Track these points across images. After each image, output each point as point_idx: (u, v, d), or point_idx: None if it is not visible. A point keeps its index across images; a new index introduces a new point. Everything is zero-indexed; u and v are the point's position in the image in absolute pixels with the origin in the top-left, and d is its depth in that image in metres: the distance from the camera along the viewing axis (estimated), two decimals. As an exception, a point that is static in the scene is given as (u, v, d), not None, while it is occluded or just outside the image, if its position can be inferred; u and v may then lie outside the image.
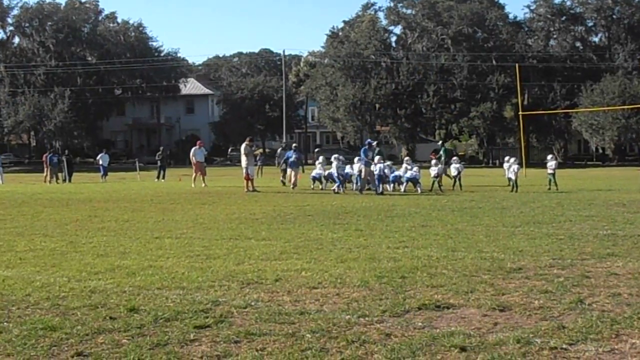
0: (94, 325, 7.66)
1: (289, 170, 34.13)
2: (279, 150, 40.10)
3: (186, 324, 7.68)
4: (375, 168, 29.72)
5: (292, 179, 33.16)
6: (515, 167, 30.80)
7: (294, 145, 36.98)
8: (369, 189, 29.79)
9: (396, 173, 31.17)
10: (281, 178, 36.41)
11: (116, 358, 6.61)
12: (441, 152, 36.69)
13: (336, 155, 32.50)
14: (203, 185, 35.76)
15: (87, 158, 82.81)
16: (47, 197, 29.54)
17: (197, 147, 38.51)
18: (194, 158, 37.69)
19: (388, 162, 32.17)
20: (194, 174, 37.64)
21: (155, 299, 8.88)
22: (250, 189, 31.32)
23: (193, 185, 35.82)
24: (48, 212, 21.80)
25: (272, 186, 35.44)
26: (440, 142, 35.67)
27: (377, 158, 30.20)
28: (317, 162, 35.25)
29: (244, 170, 31.79)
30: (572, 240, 13.92)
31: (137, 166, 52.73)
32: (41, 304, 8.73)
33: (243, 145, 32.81)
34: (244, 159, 32.11)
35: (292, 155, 33.96)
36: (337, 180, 30.75)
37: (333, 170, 31.28)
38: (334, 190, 30.33)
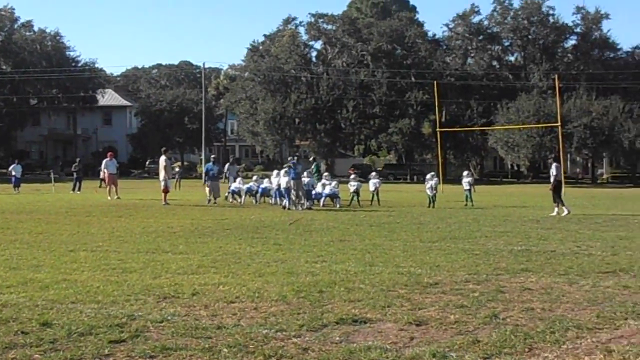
0: (5, 340, 7.48)
1: (209, 183, 32.74)
2: (227, 166, 38.52)
3: (101, 338, 7.56)
4: (305, 182, 29.67)
5: (214, 193, 32.33)
6: (433, 182, 31.18)
7: (212, 157, 35.97)
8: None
9: (316, 190, 30.99)
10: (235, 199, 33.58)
11: (27, 374, 6.46)
12: (313, 167, 35.92)
13: (286, 169, 31.25)
14: (115, 197, 35.26)
15: (0, 169, 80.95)
16: (-42, 208, 28.79)
17: (108, 158, 37.92)
18: (105, 170, 37.25)
19: (326, 179, 31.98)
20: (107, 187, 37.16)
21: (69, 313, 8.72)
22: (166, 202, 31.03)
23: (109, 198, 35.28)
24: (-42, 224, 21.24)
25: (190, 199, 35.17)
26: (312, 157, 34.62)
27: (306, 172, 30.29)
28: (228, 175, 36.19)
29: (162, 183, 31.51)
30: (487, 256, 14.13)
31: (52, 177, 51.70)
32: (-51, 318, 8.50)
33: (163, 158, 32.38)
34: (162, 172, 31.83)
35: (214, 168, 33.22)
36: (285, 195, 29.64)
37: (282, 184, 29.83)
38: (284, 206, 29.27)
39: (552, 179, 27.40)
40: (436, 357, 6.94)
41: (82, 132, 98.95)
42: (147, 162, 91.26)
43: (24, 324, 8.20)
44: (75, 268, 12.34)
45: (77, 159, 51.46)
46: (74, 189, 43.92)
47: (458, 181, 30.30)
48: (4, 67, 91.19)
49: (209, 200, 31.97)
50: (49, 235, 17.94)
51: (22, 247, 15.35)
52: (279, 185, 30.21)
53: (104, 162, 37.88)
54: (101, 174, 37.60)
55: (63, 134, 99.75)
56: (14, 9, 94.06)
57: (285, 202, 29.35)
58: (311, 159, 32.74)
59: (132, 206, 30.02)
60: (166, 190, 31.49)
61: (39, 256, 13.88)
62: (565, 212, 25.78)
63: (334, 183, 31.49)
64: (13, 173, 46.72)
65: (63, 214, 25.77)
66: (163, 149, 33.84)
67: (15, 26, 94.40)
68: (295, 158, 32.00)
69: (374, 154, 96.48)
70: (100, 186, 43.08)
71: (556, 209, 26.13)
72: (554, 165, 28.22)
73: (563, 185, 28.53)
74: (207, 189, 32.99)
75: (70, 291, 10.11)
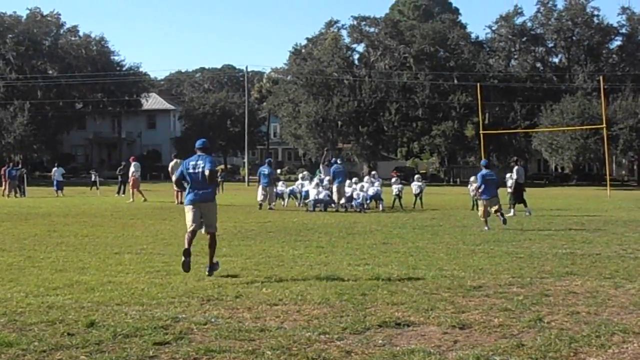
0: (52, 342, 7.57)
1: (266, 188, 30.75)
2: (320, 167, 34.21)
3: (145, 340, 7.62)
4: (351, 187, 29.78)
5: (269, 198, 30.75)
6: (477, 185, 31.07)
7: (267, 160, 33.87)
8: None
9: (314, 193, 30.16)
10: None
11: (74, 375, 6.53)
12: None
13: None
14: (130, 200, 36.28)
15: (47, 172, 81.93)
16: (5, 211, 29.18)
17: (133, 162, 39.13)
18: (136, 173, 37.99)
19: (373, 179, 31.94)
20: (132, 190, 38.26)
21: (114, 315, 8.80)
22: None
23: (143, 199, 36.06)
24: (6, 227, 21.54)
25: (234, 203, 35.30)
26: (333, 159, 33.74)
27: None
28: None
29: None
30: (531, 259, 14.02)
31: (97, 180, 52.26)
32: (-2, 319, 8.62)
33: (173, 163, 33.51)
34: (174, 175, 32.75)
35: (267, 171, 31.01)
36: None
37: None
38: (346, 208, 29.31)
39: (511, 182, 28.48)
40: (480, 360, 6.91)
41: (126, 136, 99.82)
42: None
43: (70, 325, 8.29)
44: (120, 270, 12.45)
45: (122, 163, 51.92)
46: (118, 192, 44.32)
47: (502, 184, 30.07)
48: (50, 71, 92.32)
49: (261, 206, 30.40)
50: (94, 238, 18.12)
51: (68, 250, 15.52)
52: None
53: (133, 164, 38.67)
54: (132, 176, 38.19)
55: (108, 137, 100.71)
56: (60, 15, 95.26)
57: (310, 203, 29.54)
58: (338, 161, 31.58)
59: (175, 209, 30.21)
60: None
61: (84, 258, 14.03)
62: (512, 213, 26.63)
63: (377, 183, 31.40)
64: (55, 176, 47.30)
65: (108, 216, 26.03)
66: (173, 154, 34.64)
67: (61, 31, 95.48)
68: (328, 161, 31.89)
69: (417, 157, 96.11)
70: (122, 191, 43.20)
71: (512, 210, 27.18)
72: (515, 168, 29.16)
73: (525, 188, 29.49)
74: (260, 193, 31.10)
75: (115, 293, 10.21)
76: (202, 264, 13.04)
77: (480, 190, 21.85)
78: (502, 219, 21.58)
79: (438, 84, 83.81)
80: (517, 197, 27.91)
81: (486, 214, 21.31)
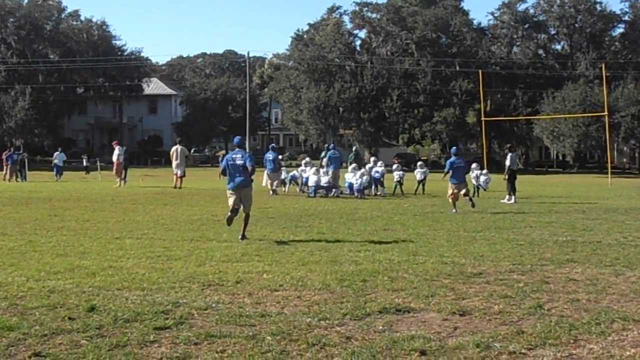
0: (53, 326, 7.60)
1: (269, 173, 30.90)
2: (323, 153, 33.69)
3: (146, 325, 7.65)
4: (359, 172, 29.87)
5: (276, 182, 30.80)
6: (478, 172, 31.14)
7: (271, 145, 33.84)
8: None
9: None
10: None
11: (75, 359, 6.55)
12: (351, 155, 35.67)
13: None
14: (116, 185, 36.38)
15: (48, 157, 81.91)
16: (6, 195, 29.21)
17: (116, 146, 39.52)
18: (121, 157, 38.30)
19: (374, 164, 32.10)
20: (116, 174, 38.33)
21: (115, 300, 8.82)
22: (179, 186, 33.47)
23: (117, 185, 36.57)
24: (7, 211, 21.57)
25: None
26: (354, 147, 34.14)
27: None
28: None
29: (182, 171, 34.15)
30: (532, 246, 14.04)
31: (99, 165, 52.25)
32: (-1, 303, 8.64)
33: (181, 148, 35.22)
34: (175, 160, 34.45)
35: (271, 156, 30.96)
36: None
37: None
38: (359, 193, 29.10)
39: (505, 169, 28.45)
40: (480, 347, 6.93)
41: (127, 121, 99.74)
42: (191, 151, 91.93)
43: (71, 309, 8.32)
44: (121, 255, 12.48)
45: (124, 148, 51.89)
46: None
47: (502, 170, 30.18)
48: (51, 56, 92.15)
49: (274, 191, 30.20)
50: (96, 223, 18.15)
51: (69, 234, 15.55)
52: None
53: (117, 148, 38.95)
54: (115, 161, 38.21)
55: (109, 122, 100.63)
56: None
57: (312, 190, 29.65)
58: (354, 148, 32.33)
59: (177, 194, 30.25)
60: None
61: (85, 243, 14.06)
62: (512, 201, 26.96)
63: (379, 162, 31.80)
64: (56, 161, 47.30)
65: (109, 201, 26.05)
66: (178, 139, 34.98)
67: (63, 16, 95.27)
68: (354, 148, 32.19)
69: (418, 143, 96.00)
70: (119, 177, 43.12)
71: (507, 197, 27.46)
72: (509, 155, 29.28)
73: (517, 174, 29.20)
74: (266, 179, 31.35)
75: (116, 278, 10.24)
76: (202, 249, 13.09)
77: (449, 175, 23.01)
78: (470, 202, 22.94)
79: (440, 71, 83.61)
80: (512, 183, 28.01)
81: (454, 197, 22.79)
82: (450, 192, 22.96)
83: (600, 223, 19.10)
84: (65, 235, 15.45)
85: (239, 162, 15.04)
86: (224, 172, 15.60)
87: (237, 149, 15.49)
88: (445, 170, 23.48)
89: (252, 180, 15.48)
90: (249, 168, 15.02)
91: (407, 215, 21.23)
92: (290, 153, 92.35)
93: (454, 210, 22.28)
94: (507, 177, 28.00)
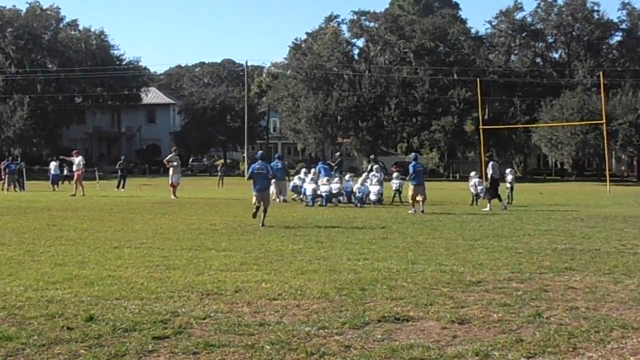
0: (51, 336, 7.58)
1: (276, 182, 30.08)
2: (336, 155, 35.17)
3: (145, 334, 7.64)
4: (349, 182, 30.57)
5: (281, 193, 31.09)
6: (476, 180, 31.12)
7: (276, 155, 34.23)
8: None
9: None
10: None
11: (73, 369, 6.54)
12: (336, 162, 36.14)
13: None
14: (78, 194, 36.04)
15: (46, 166, 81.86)
16: (5, 205, 29.21)
17: (81, 157, 39.04)
18: (81, 165, 37.95)
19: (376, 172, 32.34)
20: (75, 183, 37.90)
21: (113, 309, 8.81)
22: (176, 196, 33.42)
23: (75, 194, 36.11)
24: (5, 220, 21.57)
25: (233, 197, 35.31)
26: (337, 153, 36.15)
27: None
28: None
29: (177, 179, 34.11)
30: (530, 254, 14.04)
31: (97, 175, 52.26)
32: (-3, 313, 8.63)
33: (172, 155, 35.12)
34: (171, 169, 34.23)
35: (280, 165, 30.55)
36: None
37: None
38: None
39: (489, 178, 29.41)
40: (479, 355, 6.92)
41: (126, 130, 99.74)
42: (190, 160, 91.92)
43: (69, 319, 8.31)
44: (119, 265, 12.47)
45: (122, 157, 51.93)
46: (118, 187, 44.31)
47: (501, 179, 30.26)
48: (50, 65, 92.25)
49: (284, 200, 30.76)
50: (94, 232, 18.15)
51: (68, 244, 15.54)
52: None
53: (80, 158, 38.56)
54: (76, 170, 38.00)
55: (108, 132, 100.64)
56: (59, 9, 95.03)
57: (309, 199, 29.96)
58: (337, 154, 33.27)
59: (175, 204, 30.25)
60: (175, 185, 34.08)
61: (84, 253, 14.05)
62: (488, 208, 27.50)
63: (376, 166, 32.25)
64: (52, 170, 47.31)
65: (107, 211, 26.05)
66: (173, 148, 36.03)
67: (61, 25, 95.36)
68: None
69: (416, 152, 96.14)
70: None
71: (488, 205, 27.94)
72: (490, 164, 30.45)
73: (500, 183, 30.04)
74: (273, 189, 30.02)
75: (114, 287, 10.23)
76: (201, 258, 13.09)
77: (412, 177, 25.79)
78: (421, 208, 25.24)
79: (438, 79, 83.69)
80: (493, 192, 28.40)
81: (414, 197, 25.55)
82: (410, 193, 25.69)
83: (598, 231, 19.10)
84: (63, 244, 15.44)
85: (263, 171, 20.70)
86: (250, 178, 20.98)
87: (259, 161, 21.08)
88: (410, 172, 26.08)
89: (270, 184, 21.88)
90: (270, 175, 21.30)
91: (405, 223, 21.23)
92: (289, 162, 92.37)
93: (412, 210, 25.10)
94: (489, 185, 28.47)
